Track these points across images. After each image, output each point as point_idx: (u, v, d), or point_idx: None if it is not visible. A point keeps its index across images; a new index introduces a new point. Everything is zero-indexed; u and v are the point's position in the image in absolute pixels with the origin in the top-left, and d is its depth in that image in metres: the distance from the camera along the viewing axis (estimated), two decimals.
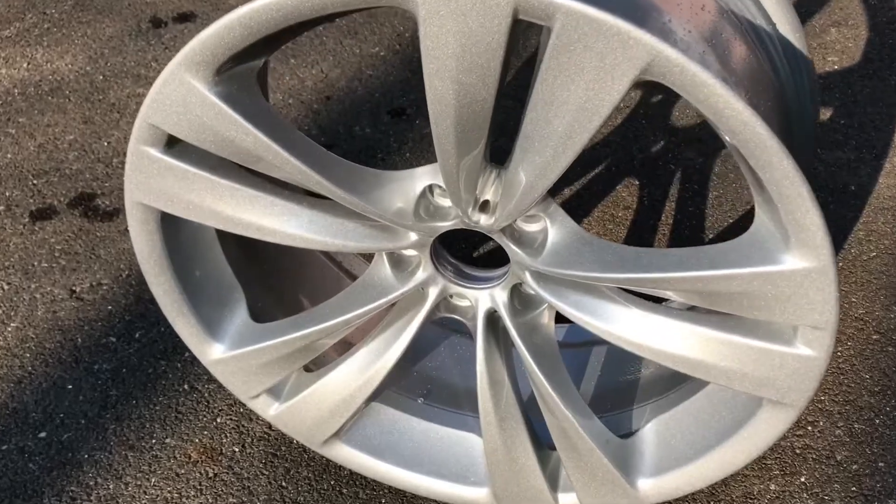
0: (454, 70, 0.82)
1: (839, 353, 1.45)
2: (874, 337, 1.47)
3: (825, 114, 1.97)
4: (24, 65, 2.40)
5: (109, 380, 1.52)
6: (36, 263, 1.75)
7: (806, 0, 2.39)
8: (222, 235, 1.15)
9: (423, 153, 1.99)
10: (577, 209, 1.78)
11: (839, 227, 1.69)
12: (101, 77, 2.33)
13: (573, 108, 0.82)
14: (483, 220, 1.01)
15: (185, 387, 1.49)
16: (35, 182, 1.97)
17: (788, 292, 0.88)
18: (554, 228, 1.01)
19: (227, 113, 0.91)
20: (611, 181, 1.85)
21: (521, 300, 1.12)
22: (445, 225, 1.04)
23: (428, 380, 1.37)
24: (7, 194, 1.94)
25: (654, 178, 1.85)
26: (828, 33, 2.23)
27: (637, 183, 1.83)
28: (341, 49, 2.38)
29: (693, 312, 0.99)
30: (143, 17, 2.52)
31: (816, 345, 0.91)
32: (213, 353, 1.19)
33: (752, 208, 1.86)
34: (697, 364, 0.98)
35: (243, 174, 1.01)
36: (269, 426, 1.42)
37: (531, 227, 1.04)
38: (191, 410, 1.45)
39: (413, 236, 1.05)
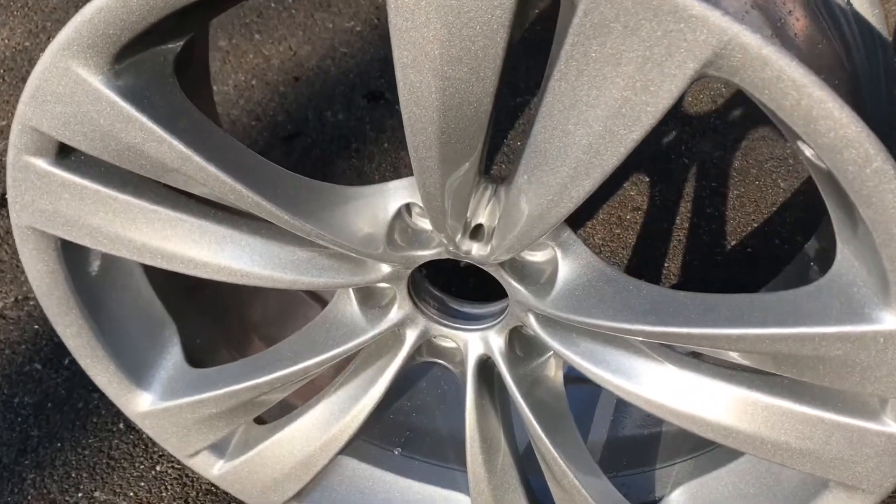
0: (438, 59, 0.59)
1: None
2: None
3: None
4: None
5: (31, 416, 1.29)
6: None
7: None
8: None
9: (403, 143, 1.75)
10: (579, 211, 1.55)
11: None
12: (40, 53, 2.07)
13: (604, 115, 0.59)
14: (476, 250, 0.78)
15: (121, 426, 1.26)
16: None
17: (882, 358, 0.66)
18: (566, 261, 0.79)
19: (130, 114, 0.68)
20: (617, 178, 1.62)
21: (521, 346, 0.89)
22: (427, 254, 0.81)
23: (406, 425, 1.14)
24: None
25: (665, 175, 1.62)
26: None
27: (647, 180, 1.61)
28: (312, 23, 2.13)
29: (746, 373, 0.77)
30: None
31: None
32: (139, 405, 0.96)
33: (781, 211, 1.65)
34: (750, 439, 0.76)
35: (162, 192, 0.78)
36: None
37: (536, 257, 0.82)
38: (125, 456, 1.23)
39: (385, 269, 0.83)
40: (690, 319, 0.70)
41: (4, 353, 1.38)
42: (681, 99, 1.80)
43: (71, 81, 0.66)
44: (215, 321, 1.02)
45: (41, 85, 0.68)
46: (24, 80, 1.98)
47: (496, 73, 0.60)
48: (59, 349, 1.37)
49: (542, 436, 0.87)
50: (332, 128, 1.79)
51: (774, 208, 1.55)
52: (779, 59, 0.52)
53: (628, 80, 0.56)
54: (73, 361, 1.36)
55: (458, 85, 0.62)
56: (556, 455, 0.87)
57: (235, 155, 0.72)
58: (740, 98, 1.78)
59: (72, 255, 0.84)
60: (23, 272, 1.49)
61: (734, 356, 0.73)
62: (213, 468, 1.02)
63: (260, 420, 1.03)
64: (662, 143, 1.70)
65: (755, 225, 1.52)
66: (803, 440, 0.74)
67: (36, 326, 1.41)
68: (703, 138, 1.69)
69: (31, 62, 2.04)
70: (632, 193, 1.58)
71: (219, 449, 1.02)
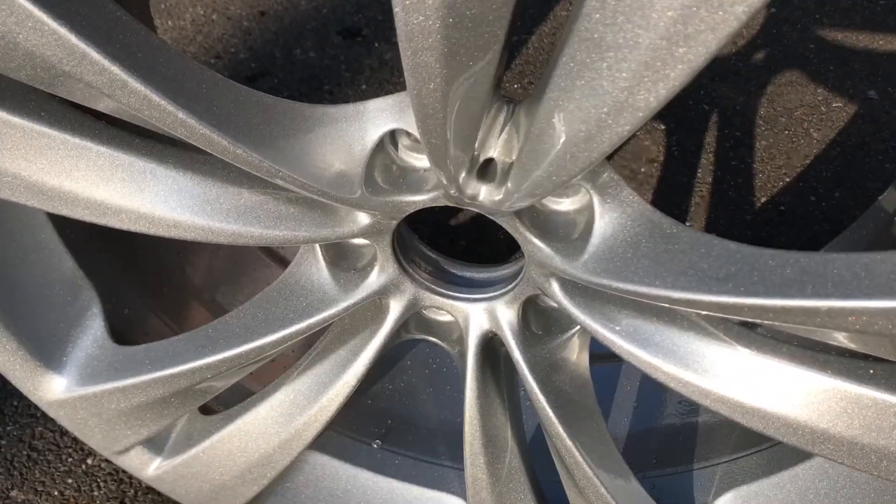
0: None
1: None
2: None
3: None
4: None
5: None
6: None
7: None
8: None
9: (383, 85, 1.54)
10: None
11: None
12: None
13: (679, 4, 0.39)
14: (485, 194, 0.58)
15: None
16: None
17: None
18: (606, 209, 0.59)
19: None
20: None
21: (537, 321, 0.70)
22: (418, 200, 0.61)
23: (387, 413, 0.95)
24: None
25: (684, 122, 1.42)
26: None
27: (663, 128, 1.41)
28: None
29: (849, 360, 0.58)
30: None
31: None
32: (50, 391, 0.76)
33: (815, 164, 1.45)
34: (853, 448, 0.57)
35: (58, 111, 0.57)
36: None
37: (564, 205, 0.62)
38: (50, 447, 1.02)
39: (363, 219, 0.63)
40: (792, 287, 0.51)
41: None
42: None
43: None
44: (146, 285, 0.82)
45: None
46: None
47: None
48: None
49: (562, 432, 0.68)
50: (303, 67, 1.58)
51: (808, 161, 1.36)
52: None
53: None
54: None
55: None
56: (577, 456, 0.68)
57: (153, 54, 0.51)
58: (763, 38, 1.58)
59: None
60: None
61: (842, 339, 0.54)
62: (148, 467, 0.82)
63: (207, 409, 0.83)
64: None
65: (787, 180, 1.33)
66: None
67: None
68: (725, 82, 1.49)
69: None
70: (646, 143, 1.38)
71: (155, 445, 0.82)
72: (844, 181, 1.32)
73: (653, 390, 0.93)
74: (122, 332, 0.78)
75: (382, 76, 1.54)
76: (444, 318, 0.74)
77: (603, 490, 0.68)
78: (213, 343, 0.70)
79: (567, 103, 0.49)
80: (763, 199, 1.31)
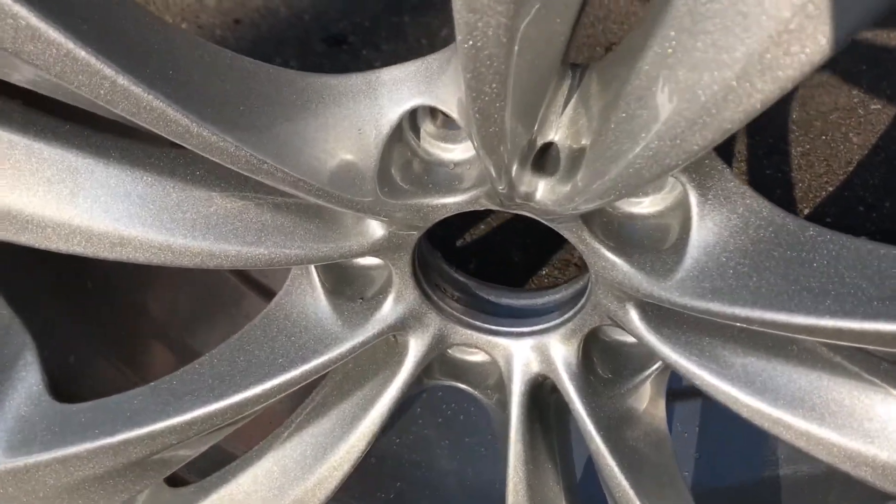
0: None
1: None
2: None
3: None
4: None
5: None
6: None
7: None
8: None
9: None
10: None
11: None
12: None
13: None
14: (543, 192, 0.43)
15: None
16: None
17: None
18: (707, 209, 0.43)
19: None
20: None
21: (603, 360, 0.54)
22: (454, 202, 0.45)
23: (396, 474, 0.79)
24: None
25: None
26: None
27: None
28: None
29: None
30: None
31: None
32: None
33: (860, 171, 1.32)
34: None
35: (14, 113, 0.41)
36: None
37: (646, 207, 0.46)
38: None
39: (376, 230, 0.47)
40: None
41: None
42: None
43: None
44: (98, 324, 0.65)
45: None
46: None
47: None
48: None
49: (633, 498, 0.52)
50: None
51: (851, 168, 1.22)
52: None
53: None
54: None
55: None
56: None
57: (103, 9, 0.35)
58: None
59: None
60: None
61: None
62: None
63: (176, 480, 0.66)
64: None
65: (830, 189, 1.19)
66: None
67: None
68: None
69: None
70: None
71: None
72: (894, 189, 1.18)
73: (718, 437, 0.77)
74: (65, 384, 0.62)
75: None
76: (478, 358, 0.58)
77: None
78: (179, 399, 0.54)
79: (677, 70, 0.33)
80: (806, 211, 1.17)
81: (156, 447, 0.55)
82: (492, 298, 0.55)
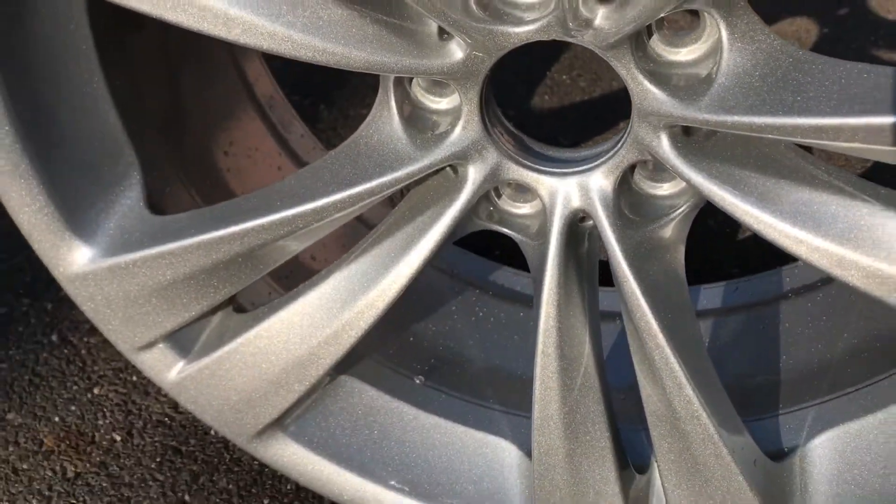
0: None
1: None
2: None
3: None
4: None
5: None
6: None
7: None
8: (107, 41, 0.65)
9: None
10: None
11: None
12: None
13: None
14: (601, 18, 0.52)
15: (53, 338, 0.98)
16: None
17: None
18: (734, 44, 0.52)
19: None
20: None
21: (633, 201, 0.63)
22: (524, 31, 0.54)
23: (431, 352, 0.87)
24: None
25: None
26: None
27: None
28: None
29: None
30: None
31: None
32: (74, 261, 0.68)
33: None
34: None
35: None
36: (176, 406, 0.90)
37: (682, 53, 0.56)
38: (55, 373, 0.94)
39: (456, 52, 0.56)
40: None
41: None
42: None
43: None
44: (182, 160, 0.75)
45: None
46: None
47: None
48: None
49: (656, 330, 0.60)
50: None
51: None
52: None
53: None
54: (5, 260, 1.08)
55: None
56: (668, 352, 0.60)
57: None
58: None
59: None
60: None
61: None
62: (169, 371, 0.74)
63: (241, 308, 0.75)
64: None
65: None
66: None
67: None
68: None
69: None
70: None
71: (181, 344, 0.73)
72: None
73: (736, 347, 0.85)
74: (160, 207, 0.71)
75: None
76: (525, 209, 0.67)
77: (692, 394, 0.61)
78: (269, 205, 0.63)
79: None
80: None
81: (244, 246, 0.64)
82: (540, 149, 0.64)
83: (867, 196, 0.53)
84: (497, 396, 0.82)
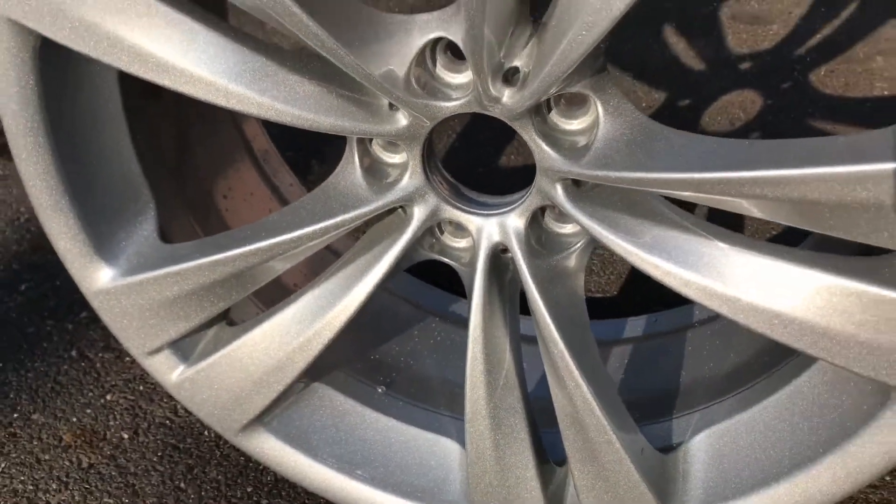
0: None
1: None
2: None
3: None
4: None
5: None
6: None
7: (848, 28, 2.16)
8: (131, 109, 0.82)
9: None
10: None
11: None
12: None
13: None
14: (507, 97, 0.70)
15: (73, 353, 1.13)
16: None
17: None
18: (607, 118, 0.70)
19: None
20: None
21: (541, 237, 0.79)
22: (451, 105, 0.72)
23: (394, 366, 1.03)
24: None
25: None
26: (874, 61, 1.99)
27: None
28: None
29: (805, 252, 0.68)
30: None
31: None
32: (99, 279, 0.85)
33: None
34: (807, 330, 0.66)
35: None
36: (174, 409, 1.06)
37: (572, 124, 0.73)
38: (73, 382, 1.09)
39: (402, 120, 0.73)
40: (757, 161, 0.62)
41: None
42: (699, 118, 1.75)
43: None
44: (189, 201, 0.92)
45: None
46: None
47: None
48: (17, 275, 1.26)
49: (557, 339, 0.76)
50: None
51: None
52: None
53: None
54: (30, 288, 1.24)
55: None
56: (568, 359, 0.76)
57: None
58: (758, 125, 1.73)
59: (50, 71, 0.75)
60: None
61: (770, 212, 0.63)
62: (172, 373, 0.90)
63: (232, 323, 0.91)
64: None
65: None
66: (871, 330, 0.64)
67: None
68: None
69: None
70: None
71: (182, 351, 0.89)
72: None
73: (641, 365, 1.01)
74: (170, 237, 0.88)
75: None
76: (461, 243, 0.83)
77: (586, 391, 0.76)
78: (255, 236, 0.80)
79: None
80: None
81: (233, 268, 0.80)
82: (469, 193, 0.81)
83: (709, 234, 0.69)
84: (447, 404, 0.98)
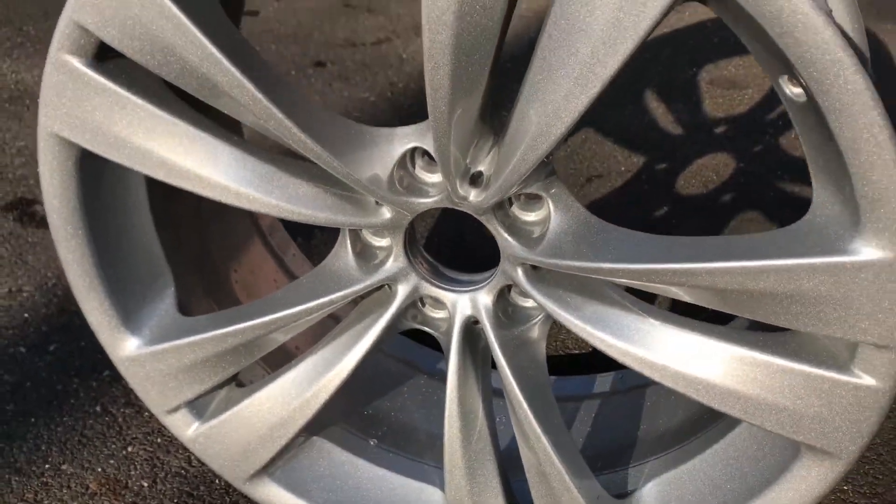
0: (453, 12, 0.66)
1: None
2: None
3: None
4: None
5: (8, 392, 1.28)
6: None
7: None
8: (156, 203, 0.96)
9: None
10: None
11: None
12: None
13: (601, 24, 0.65)
14: (473, 196, 0.83)
15: (97, 409, 1.26)
16: None
17: (852, 294, 0.69)
18: (557, 213, 0.83)
19: (174, 13, 0.74)
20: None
21: (507, 311, 0.92)
22: (427, 202, 0.85)
23: (384, 420, 1.15)
24: None
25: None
26: None
27: None
28: (330, 91, 2.24)
29: (721, 327, 0.80)
30: None
31: (880, 371, 0.72)
32: (125, 348, 0.97)
33: None
34: (726, 394, 0.78)
35: (185, 108, 0.83)
36: (189, 460, 1.18)
37: (529, 216, 0.86)
38: (98, 435, 1.22)
39: (386, 213, 0.87)
40: (677, 256, 0.74)
41: None
42: (675, 181, 1.88)
43: None
44: (210, 282, 1.05)
45: None
46: None
47: (498, 24, 0.67)
48: (46, 337, 1.38)
49: (520, 397, 0.88)
50: None
51: None
52: None
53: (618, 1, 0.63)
54: (58, 348, 1.37)
55: (468, 34, 0.69)
56: (531, 418, 0.88)
57: (266, 74, 0.78)
58: (731, 186, 1.86)
59: (88, 175, 0.88)
60: (21, 267, 1.52)
61: (695, 296, 0.76)
62: (188, 429, 1.02)
63: (241, 384, 1.04)
64: (655, 215, 1.77)
65: None
66: (777, 394, 0.76)
67: (25, 315, 1.43)
68: (695, 215, 1.76)
69: None
70: None
71: (197, 409, 1.02)
72: None
73: (604, 420, 1.13)
74: (187, 310, 1.01)
75: None
76: (437, 312, 0.96)
77: (547, 444, 0.88)
78: (260, 311, 0.93)
79: (523, 118, 0.74)
80: None
81: (242, 339, 0.93)
82: (446, 272, 0.94)
83: (643, 312, 0.82)
84: (431, 455, 1.09)
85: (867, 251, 0.67)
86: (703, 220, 1.75)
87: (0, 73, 2.22)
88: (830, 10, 0.85)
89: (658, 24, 0.64)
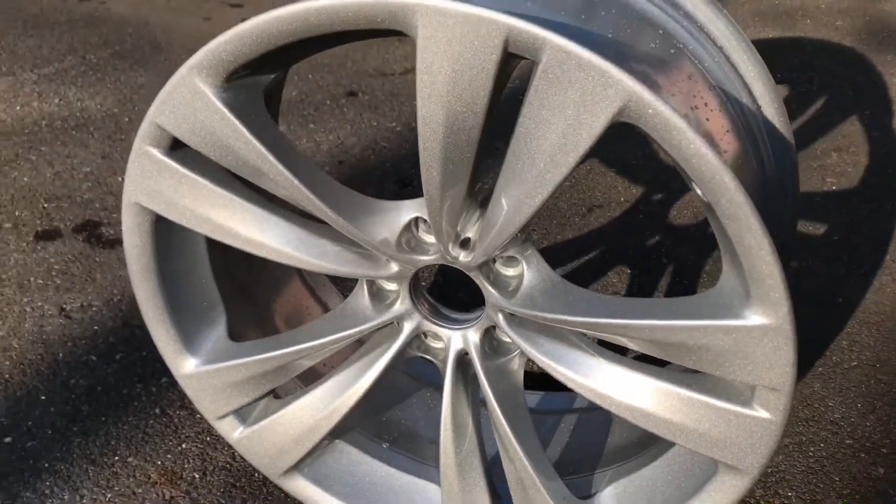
0: (445, 95, 0.87)
1: (811, 454, 1.45)
2: (847, 441, 1.47)
3: (819, 229, 2.02)
4: (56, 100, 2.49)
5: (83, 395, 1.53)
6: (32, 279, 1.79)
7: (809, 125, 2.47)
8: (212, 252, 1.18)
9: None
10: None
11: (824, 336, 1.70)
12: (126, 119, 2.42)
13: (553, 142, 0.86)
14: (462, 257, 1.04)
15: (157, 411, 1.49)
16: (46, 205, 2.03)
17: (747, 349, 0.90)
18: (530, 272, 1.04)
19: (230, 120, 0.96)
20: (603, 266, 1.88)
21: (492, 344, 1.13)
22: (426, 259, 1.07)
23: (396, 427, 1.37)
24: (17, 213, 1.99)
25: (645, 270, 1.88)
26: (829, 157, 2.30)
27: (628, 271, 1.87)
28: (360, 120, 2.47)
29: (656, 367, 1.01)
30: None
31: (773, 407, 0.92)
32: (186, 367, 1.20)
33: None
34: (658, 420, 0.99)
35: (239, 186, 1.05)
36: (233, 456, 1.41)
37: (508, 272, 1.07)
38: (157, 433, 1.45)
39: (394, 267, 1.08)
40: (614, 312, 0.95)
41: (66, 345, 1.63)
42: (668, 212, 2.07)
43: (192, 91, 0.95)
44: (253, 315, 1.27)
45: (171, 91, 0.96)
46: (109, 137, 2.31)
47: (484, 109, 0.88)
48: (113, 347, 1.63)
49: (501, 416, 1.10)
50: None
51: None
52: (665, 109, 0.79)
53: (569, 118, 0.83)
54: (123, 357, 1.61)
55: (458, 115, 0.90)
56: (510, 434, 1.09)
57: (302, 164, 1.00)
58: None
59: (161, 234, 1.11)
60: (90, 284, 1.77)
61: (647, 347, 0.97)
62: (234, 432, 1.25)
63: (276, 396, 1.27)
64: (647, 244, 1.97)
65: None
66: (698, 422, 0.97)
67: (95, 327, 1.67)
68: (684, 244, 1.96)
69: (117, 124, 2.38)
70: (613, 280, 1.84)
71: (242, 416, 1.25)
72: None
73: (578, 431, 1.34)
74: (235, 335, 1.24)
75: None
76: (437, 345, 1.18)
77: (522, 455, 1.10)
78: (293, 341, 1.15)
79: (506, 190, 0.95)
80: None
81: (279, 363, 1.15)
82: (444, 310, 1.16)
83: (595, 353, 1.03)
84: (433, 458, 1.32)
85: (754, 317, 0.88)
86: (692, 248, 1.94)
87: (67, 101, 2.48)
88: (759, 106, 1.06)
89: (594, 144, 0.85)
